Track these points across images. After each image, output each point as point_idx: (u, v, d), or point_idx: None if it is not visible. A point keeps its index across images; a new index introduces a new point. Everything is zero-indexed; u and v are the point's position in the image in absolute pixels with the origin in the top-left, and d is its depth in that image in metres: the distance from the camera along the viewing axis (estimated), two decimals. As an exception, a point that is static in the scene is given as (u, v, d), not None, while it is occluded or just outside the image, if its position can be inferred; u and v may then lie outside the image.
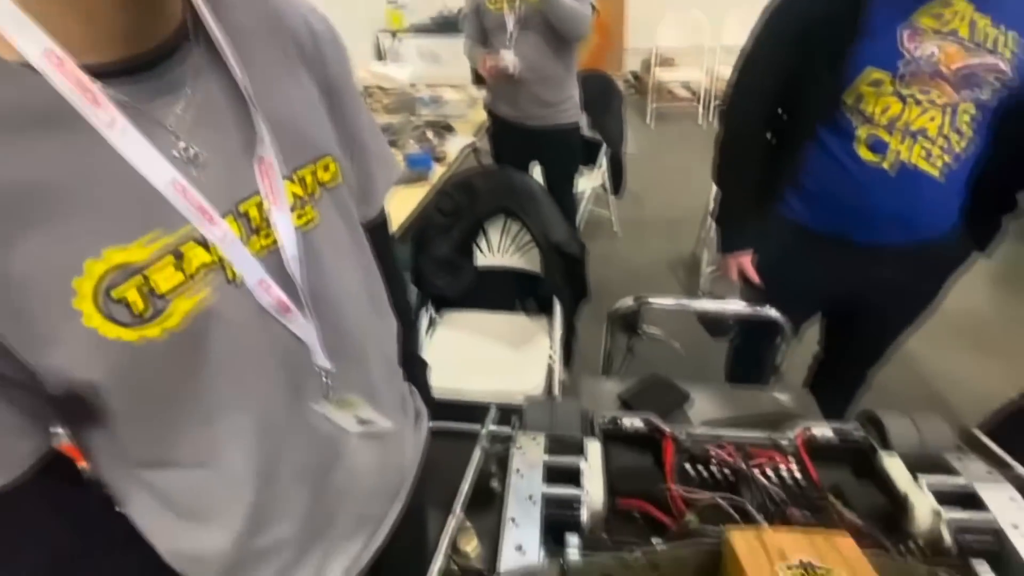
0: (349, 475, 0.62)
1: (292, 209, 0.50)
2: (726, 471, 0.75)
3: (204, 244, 0.44)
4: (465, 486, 0.72)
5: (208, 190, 0.44)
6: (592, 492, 0.70)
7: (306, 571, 0.62)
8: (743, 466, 0.73)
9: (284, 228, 0.49)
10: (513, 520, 0.66)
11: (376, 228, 0.68)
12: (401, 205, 1.69)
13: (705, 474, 0.75)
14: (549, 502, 0.69)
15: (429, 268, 1.55)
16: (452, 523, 0.67)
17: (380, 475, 0.69)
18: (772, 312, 1.01)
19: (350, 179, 0.59)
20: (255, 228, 0.48)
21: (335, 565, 0.65)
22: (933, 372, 2.12)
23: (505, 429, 0.83)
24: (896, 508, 0.69)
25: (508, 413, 0.87)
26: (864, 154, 1.06)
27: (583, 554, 0.64)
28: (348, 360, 0.57)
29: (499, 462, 0.78)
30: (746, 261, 1.21)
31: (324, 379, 0.54)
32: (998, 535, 0.63)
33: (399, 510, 0.74)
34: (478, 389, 1.39)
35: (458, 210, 1.57)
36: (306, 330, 0.51)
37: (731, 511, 0.67)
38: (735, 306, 1.03)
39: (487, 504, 0.73)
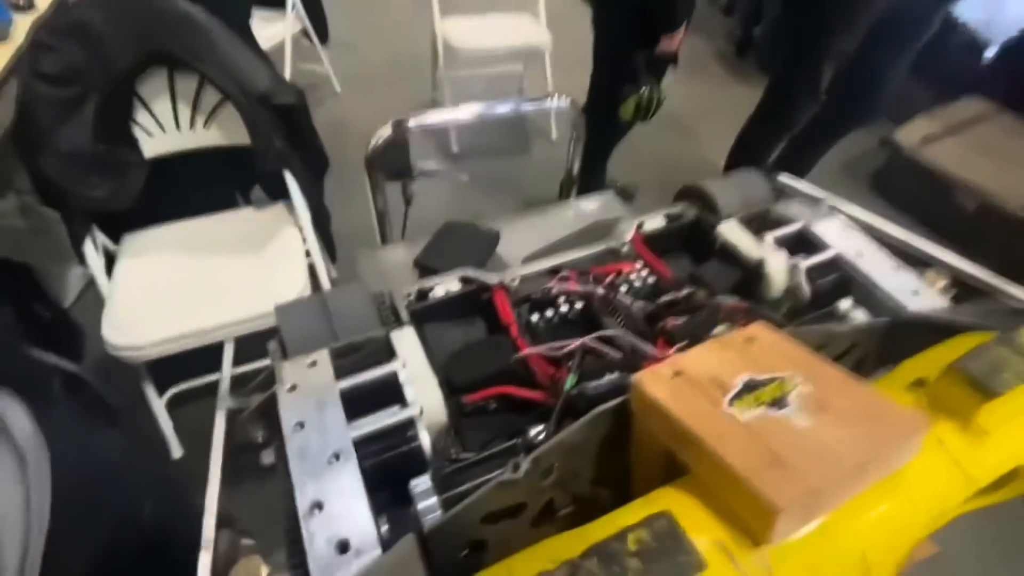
0: None
1: None
2: (577, 305, 0.57)
3: None
4: (211, 493, 0.40)
5: None
6: (427, 402, 0.46)
7: None
8: (597, 290, 0.56)
9: None
10: (317, 508, 0.38)
11: None
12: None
13: (556, 318, 0.57)
14: (366, 449, 0.43)
15: (64, 174, 0.98)
16: (202, 561, 0.37)
17: None
18: (565, 102, 0.82)
19: None
20: None
21: None
22: (657, 157, 2.35)
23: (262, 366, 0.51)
24: (750, 275, 0.61)
25: (262, 342, 0.55)
26: None
27: (444, 500, 0.40)
28: None
29: (266, 420, 0.47)
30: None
31: None
32: (846, 267, 0.59)
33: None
34: (214, 325, 0.99)
35: (78, 72, 0.98)
36: None
37: (609, 351, 0.49)
38: (503, 108, 0.81)
39: (267, 493, 0.44)
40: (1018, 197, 1.75)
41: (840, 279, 0.58)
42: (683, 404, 0.35)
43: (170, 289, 1.09)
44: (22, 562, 0.43)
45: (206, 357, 1.07)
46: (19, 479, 0.45)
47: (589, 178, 1.73)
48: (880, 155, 2.09)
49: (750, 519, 0.31)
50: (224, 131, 1.18)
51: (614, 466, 0.44)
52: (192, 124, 1.17)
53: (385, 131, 0.77)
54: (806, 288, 0.58)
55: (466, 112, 0.80)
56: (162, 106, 1.13)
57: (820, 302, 0.58)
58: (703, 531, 0.31)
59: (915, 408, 0.36)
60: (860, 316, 0.56)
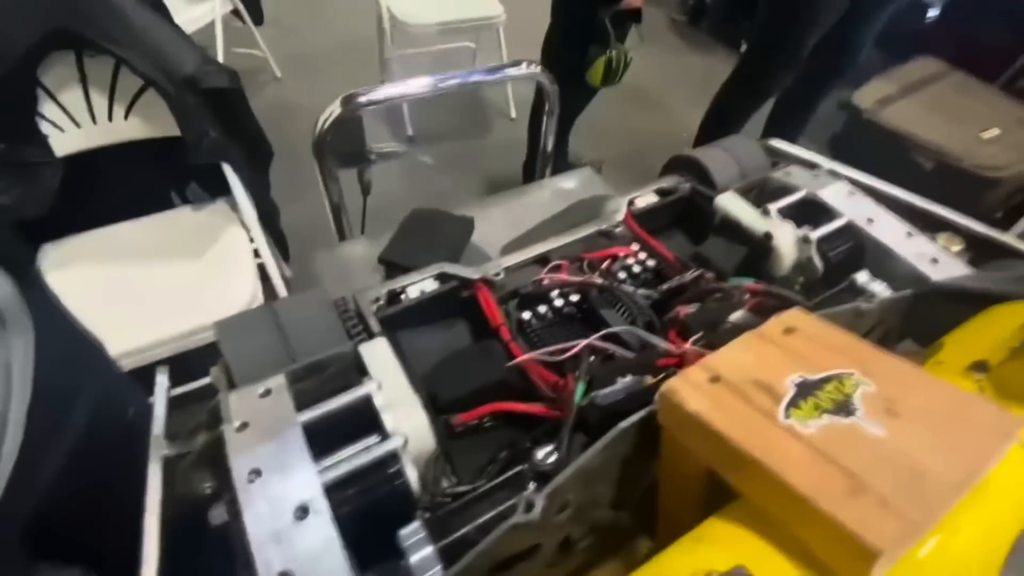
0: None
1: None
2: (573, 297, 0.50)
3: None
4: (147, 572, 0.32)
5: None
6: (410, 429, 0.38)
7: None
8: (594, 279, 0.49)
9: None
10: (284, 581, 0.30)
11: None
12: None
13: (550, 315, 0.50)
14: (340, 495, 0.35)
15: (-44, 180, 0.84)
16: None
17: None
18: (535, 68, 0.74)
19: None
20: None
21: None
22: (617, 130, 2.30)
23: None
24: (757, 251, 0.55)
25: (201, 363, 0.46)
26: None
27: (442, 549, 0.33)
28: None
29: (214, 467, 0.39)
30: None
31: None
32: (857, 236, 0.54)
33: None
34: (155, 341, 0.88)
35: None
36: None
37: (620, 350, 0.43)
38: (465, 77, 0.73)
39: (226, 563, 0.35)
40: (973, 153, 1.78)
41: (853, 249, 0.54)
42: (730, 418, 0.29)
43: (100, 304, 0.96)
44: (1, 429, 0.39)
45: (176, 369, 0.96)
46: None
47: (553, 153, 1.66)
48: (838, 119, 2.09)
49: (834, 560, 0.25)
50: (150, 122, 1.05)
51: (635, 486, 0.38)
52: (111, 115, 1.03)
53: (334, 109, 0.68)
54: (818, 261, 0.53)
55: (424, 84, 0.71)
56: (73, 96, 0.99)
57: (833, 276, 0.53)
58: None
59: (992, 401, 0.31)
60: (880, 289, 0.51)
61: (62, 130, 1.00)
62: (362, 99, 0.67)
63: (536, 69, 0.71)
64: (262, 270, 1.12)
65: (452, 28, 1.90)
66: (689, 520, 0.30)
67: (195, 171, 1.18)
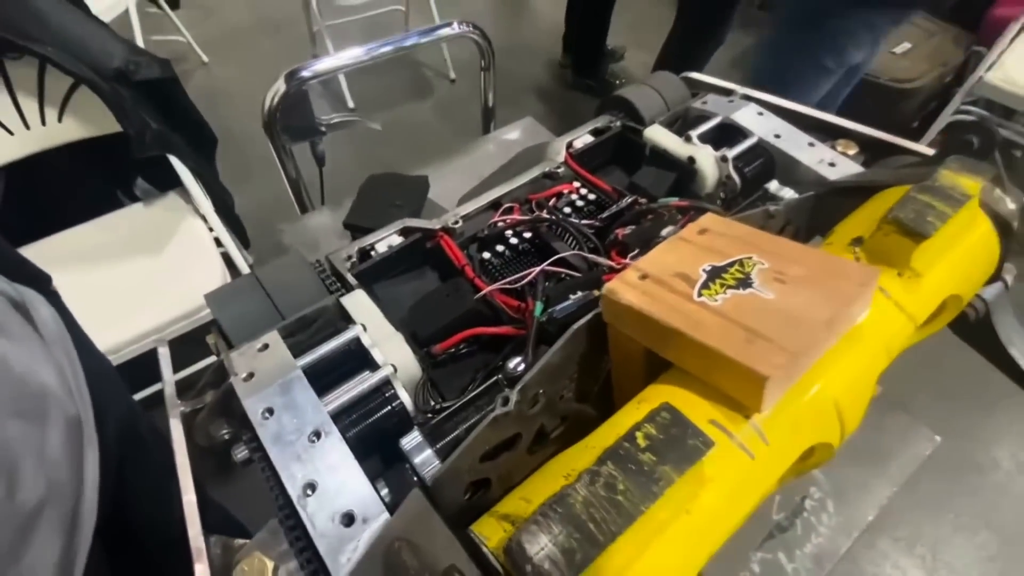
0: None
1: None
2: (526, 235, 0.56)
3: None
4: (188, 501, 0.37)
5: None
6: (397, 360, 0.44)
7: None
8: (543, 216, 0.55)
9: None
10: (309, 489, 0.36)
11: None
12: None
13: (507, 252, 0.55)
14: (345, 420, 0.41)
15: None
16: (199, 573, 0.35)
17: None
18: (467, 27, 0.77)
19: None
20: None
21: None
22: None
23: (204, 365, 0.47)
24: (684, 175, 0.62)
25: (199, 341, 0.50)
26: None
27: (438, 450, 0.40)
28: None
29: (228, 416, 0.44)
30: None
31: None
32: (767, 151, 0.61)
33: (93, 458, 0.44)
34: (134, 336, 0.90)
35: None
36: None
37: (568, 272, 0.49)
38: (402, 41, 0.75)
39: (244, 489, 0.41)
40: (888, 68, 1.89)
41: (765, 163, 0.61)
42: (656, 303, 0.36)
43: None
44: (80, 433, 0.44)
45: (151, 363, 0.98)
46: (48, 359, 0.44)
47: (593, 51, 2.00)
48: (765, 47, 2.17)
49: (739, 394, 0.32)
50: (86, 121, 1.03)
51: (593, 380, 0.45)
52: (43, 119, 1.01)
53: (279, 87, 0.70)
54: (736, 177, 0.60)
55: (363, 52, 0.73)
56: (0, 103, 0.97)
57: (750, 188, 0.60)
58: (697, 414, 0.33)
59: (856, 262, 0.39)
60: (789, 194, 0.58)
61: (-8, 138, 0.98)
62: (305, 73, 0.69)
63: (469, 28, 0.74)
64: (225, 259, 1.14)
65: (379, -7, 1.87)
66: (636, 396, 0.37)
67: (140, 166, 1.17)
